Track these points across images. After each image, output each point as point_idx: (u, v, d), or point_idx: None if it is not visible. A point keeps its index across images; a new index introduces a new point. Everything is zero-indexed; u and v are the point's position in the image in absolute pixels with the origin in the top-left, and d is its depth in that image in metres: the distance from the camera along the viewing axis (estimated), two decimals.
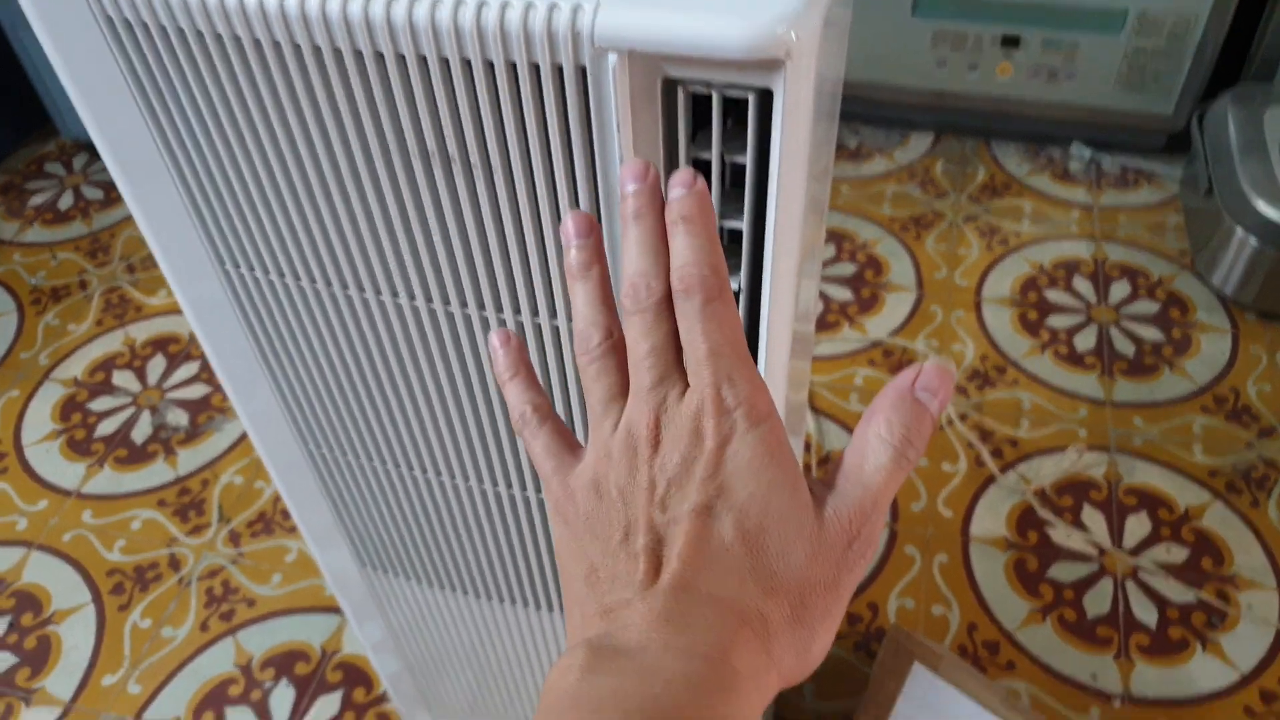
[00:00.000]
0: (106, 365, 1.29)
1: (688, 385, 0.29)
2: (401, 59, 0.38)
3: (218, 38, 0.39)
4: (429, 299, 0.47)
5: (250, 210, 0.47)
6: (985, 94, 1.47)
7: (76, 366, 1.29)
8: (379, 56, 0.38)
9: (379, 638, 0.78)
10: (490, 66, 0.37)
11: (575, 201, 0.42)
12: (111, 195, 1.54)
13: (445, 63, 0.38)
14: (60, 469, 1.18)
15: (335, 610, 1.03)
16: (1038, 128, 1.53)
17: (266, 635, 1.02)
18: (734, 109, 0.38)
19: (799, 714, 0.95)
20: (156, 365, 1.28)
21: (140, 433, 1.21)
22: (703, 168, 0.41)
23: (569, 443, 0.33)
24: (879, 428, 0.29)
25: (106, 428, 1.22)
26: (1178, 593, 1.02)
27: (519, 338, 0.34)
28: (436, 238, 0.44)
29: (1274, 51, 1.36)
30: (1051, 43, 1.39)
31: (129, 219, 1.50)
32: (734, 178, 0.42)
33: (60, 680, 1.00)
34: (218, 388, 1.25)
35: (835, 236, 1.41)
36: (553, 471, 0.32)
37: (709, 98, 0.37)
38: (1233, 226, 1.23)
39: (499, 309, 0.47)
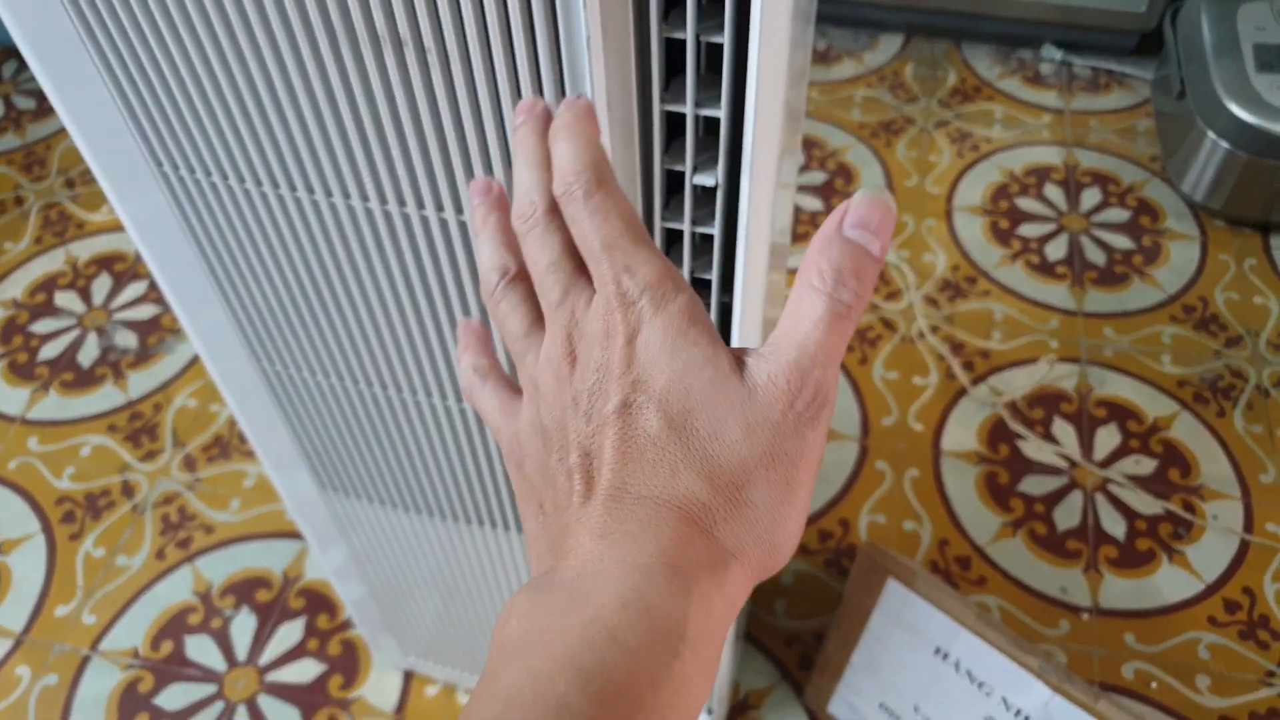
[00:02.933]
0: (48, 285, 1.23)
1: (595, 291, 0.28)
2: None
3: None
4: (383, 200, 0.44)
5: (187, 105, 0.42)
6: None
7: (15, 287, 1.23)
8: None
9: (341, 563, 0.75)
10: None
11: (539, 92, 0.38)
12: (45, 105, 1.46)
13: None
14: (3, 394, 1.13)
15: (296, 536, 1.01)
16: (1009, 29, 1.49)
17: (226, 562, 1.00)
18: None
19: (770, 632, 0.95)
20: (102, 285, 1.23)
21: (87, 355, 1.16)
22: (677, 48, 0.37)
23: (513, 391, 0.31)
24: (810, 277, 0.26)
25: (50, 351, 1.17)
26: (1146, 505, 1.02)
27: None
28: (389, 133, 0.40)
29: None
30: None
31: (65, 130, 1.42)
32: (710, 61, 0.38)
33: (11, 611, 0.97)
34: (168, 307, 1.20)
35: (805, 143, 1.37)
36: (500, 425, 0.31)
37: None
38: (1204, 130, 1.21)
39: (459, 210, 0.43)
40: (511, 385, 0.32)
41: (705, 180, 0.40)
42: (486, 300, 0.31)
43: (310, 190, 0.44)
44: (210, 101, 0.42)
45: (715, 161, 0.40)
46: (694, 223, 0.43)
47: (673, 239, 0.45)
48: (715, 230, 0.43)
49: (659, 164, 0.40)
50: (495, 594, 0.73)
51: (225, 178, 0.45)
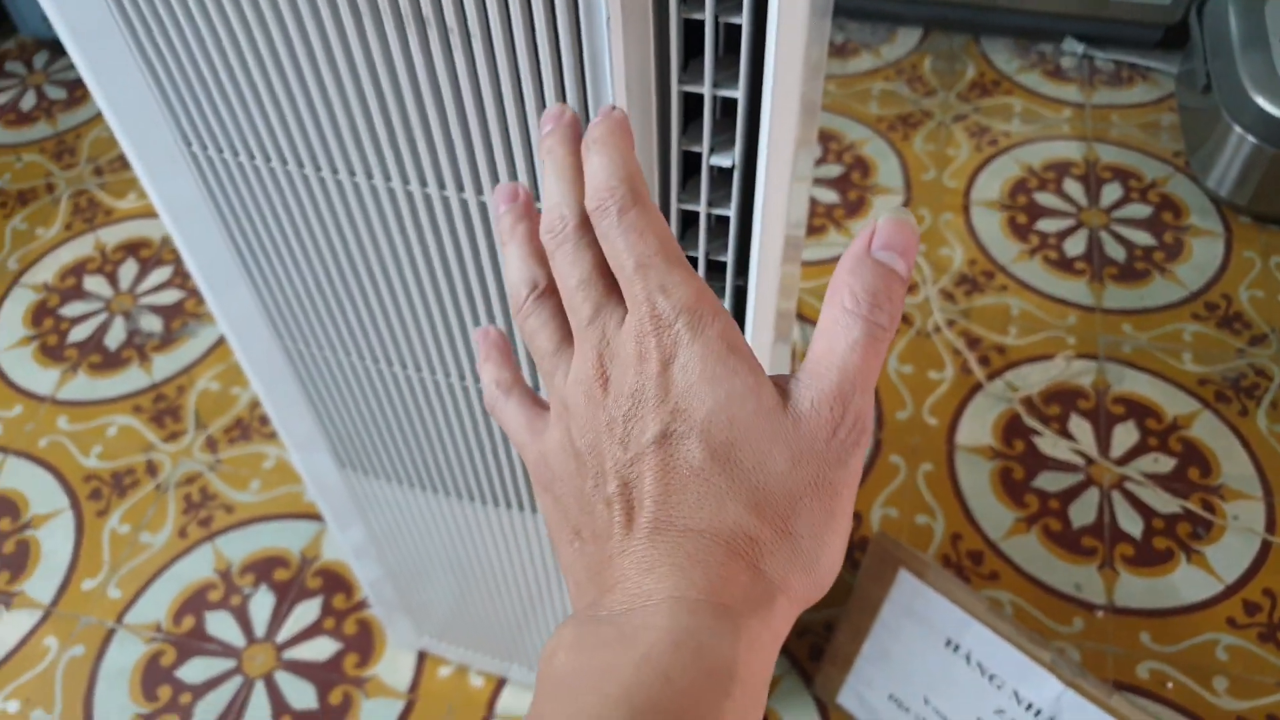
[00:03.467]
0: (77, 270, 1.25)
1: (628, 311, 0.27)
2: None
3: None
4: (405, 180, 0.45)
5: (216, 85, 0.43)
6: None
7: (46, 271, 1.25)
8: None
9: (359, 542, 0.77)
10: None
11: (560, 74, 0.39)
12: (76, 94, 1.48)
13: None
14: (34, 375, 1.15)
15: (314, 517, 1.02)
16: (1029, 22, 1.48)
17: (245, 541, 1.01)
18: None
19: None
20: (129, 270, 1.25)
21: (114, 338, 1.18)
22: (695, 29, 0.38)
23: (539, 407, 0.30)
24: (843, 300, 0.26)
25: (79, 333, 1.19)
26: (1164, 503, 1.02)
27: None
28: (412, 113, 0.41)
29: None
30: None
31: (95, 119, 1.44)
32: (729, 42, 0.39)
33: (40, 584, 0.99)
34: (192, 292, 1.22)
35: (822, 136, 1.37)
36: (526, 442, 0.30)
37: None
38: (1230, 124, 1.20)
39: (479, 191, 0.44)
40: (536, 401, 0.31)
41: (722, 161, 0.41)
42: (515, 314, 0.30)
43: (334, 170, 0.45)
44: (238, 81, 0.43)
45: (732, 143, 0.41)
46: (710, 204, 0.43)
47: (688, 221, 0.45)
48: (731, 212, 0.43)
49: (676, 145, 0.41)
50: (509, 575, 0.74)
51: (252, 157, 0.46)
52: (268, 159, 0.46)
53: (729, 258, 0.45)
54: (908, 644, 0.79)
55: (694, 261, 0.46)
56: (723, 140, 0.41)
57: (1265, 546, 0.99)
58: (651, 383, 0.26)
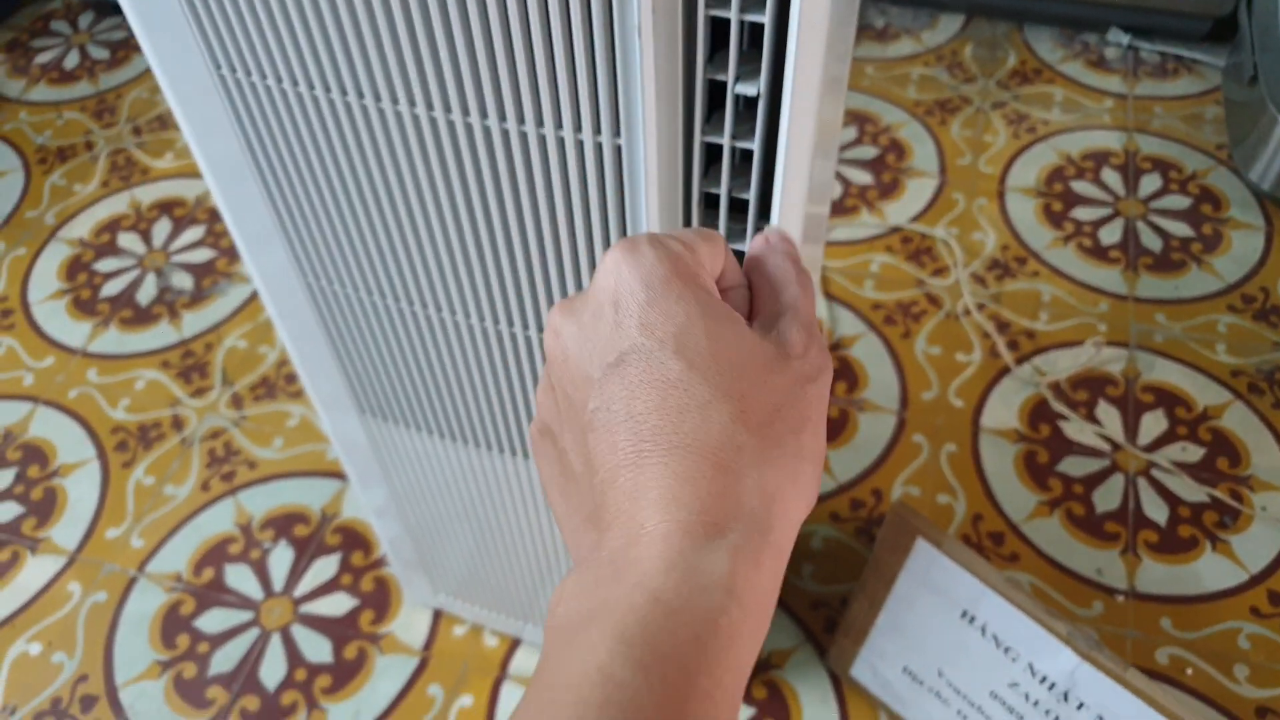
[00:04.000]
0: (112, 227, 1.27)
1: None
2: None
3: None
4: (430, 106, 0.45)
5: (247, 6, 0.44)
6: None
7: (83, 227, 1.27)
8: None
9: (380, 494, 0.77)
10: None
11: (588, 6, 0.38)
12: (118, 55, 1.50)
13: None
14: (66, 327, 1.17)
15: (336, 475, 1.03)
16: (1073, 11, 1.46)
17: (267, 497, 1.02)
18: None
19: (797, 595, 0.95)
20: (162, 228, 1.26)
21: (145, 294, 1.20)
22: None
23: None
24: (784, 262, 0.31)
25: (112, 288, 1.20)
26: (1190, 491, 1.00)
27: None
28: (439, 37, 0.41)
29: None
30: None
31: (136, 80, 1.46)
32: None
33: (65, 531, 1.00)
34: (223, 252, 1.23)
35: (858, 118, 1.36)
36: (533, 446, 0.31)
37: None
38: (1276, 117, 1.18)
39: (502, 118, 0.44)
40: None
41: (748, 90, 0.41)
42: None
43: (361, 95, 0.45)
44: (268, 2, 0.43)
45: (758, 74, 0.41)
46: (734, 137, 0.43)
47: (713, 156, 0.45)
48: (755, 145, 0.43)
49: (701, 73, 0.41)
50: (527, 531, 0.74)
51: (280, 81, 0.47)
52: (295, 84, 0.46)
53: (751, 193, 0.45)
54: (922, 616, 0.78)
55: (715, 199, 0.46)
56: (748, 70, 0.41)
57: None
58: (616, 304, 0.27)
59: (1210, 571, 0.95)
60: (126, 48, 1.52)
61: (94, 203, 1.30)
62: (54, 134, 1.39)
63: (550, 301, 0.53)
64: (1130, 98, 1.40)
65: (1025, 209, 1.26)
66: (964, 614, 0.76)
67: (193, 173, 1.33)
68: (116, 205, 1.29)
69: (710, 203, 0.47)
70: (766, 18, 0.38)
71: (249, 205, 0.55)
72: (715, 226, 0.48)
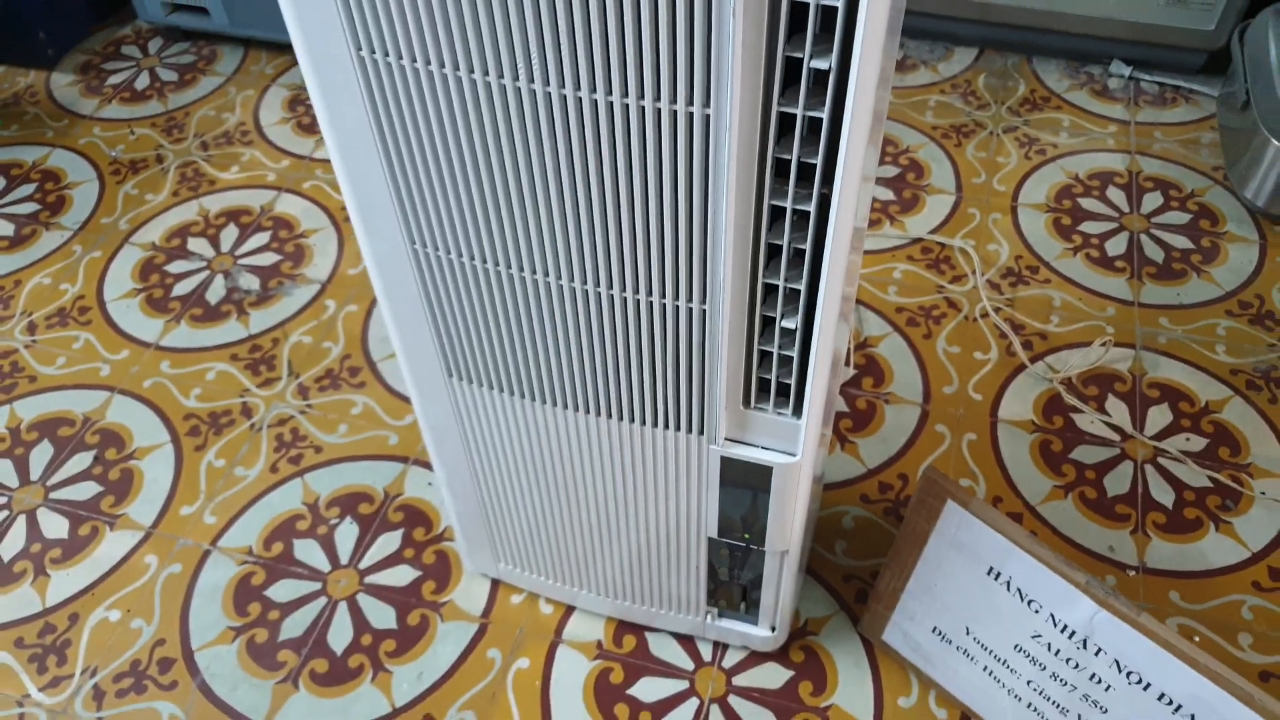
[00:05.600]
0: (182, 232, 1.36)
1: None
2: None
3: None
4: (546, 82, 0.53)
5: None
6: (1028, 9, 1.50)
7: (154, 233, 1.36)
8: None
9: (454, 462, 0.84)
10: None
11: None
12: (185, 78, 1.60)
13: None
14: (140, 323, 1.25)
15: (398, 459, 1.10)
16: (1079, 45, 1.56)
17: (332, 478, 1.09)
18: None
19: (830, 568, 1.02)
20: (229, 234, 1.35)
21: (214, 294, 1.28)
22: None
23: None
24: None
25: (183, 288, 1.29)
26: (1195, 477, 1.07)
27: None
28: (560, 15, 0.49)
29: None
30: None
31: (202, 100, 1.56)
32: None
33: (142, 508, 1.07)
34: (287, 255, 1.32)
35: (882, 141, 1.45)
36: None
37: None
38: (1268, 139, 1.27)
39: (609, 91, 0.52)
40: None
41: (820, 64, 0.49)
42: None
43: (485, 72, 0.54)
44: None
45: (829, 52, 0.49)
46: (807, 106, 0.51)
47: (785, 127, 0.53)
48: (824, 114, 0.51)
49: (782, 50, 0.49)
50: (589, 494, 0.81)
51: (413, 60, 0.55)
52: (428, 62, 0.54)
53: (819, 160, 0.53)
54: (950, 576, 0.85)
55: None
56: (821, 49, 0.49)
57: None
58: None
59: (1214, 549, 1.02)
60: (193, 70, 1.62)
61: (165, 210, 1.38)
62: (126, 148, 1.48)
63: (636, 263, 0.61)
64: (1132, 124, 1.49)
65: (1036, 223, 1.34)
66: (990, 570, 0.82)
67: (258, 184, 1.42)
68: (186, 213, 1.38)
69: (781, 170, 0.56)
70: (840, 1, 0.47)
71: (368, 176, 0.63)
72: (784, 191, 0.56)
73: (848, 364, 1.19)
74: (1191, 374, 1.17)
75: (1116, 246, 1.31)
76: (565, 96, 0.53)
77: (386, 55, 0.55)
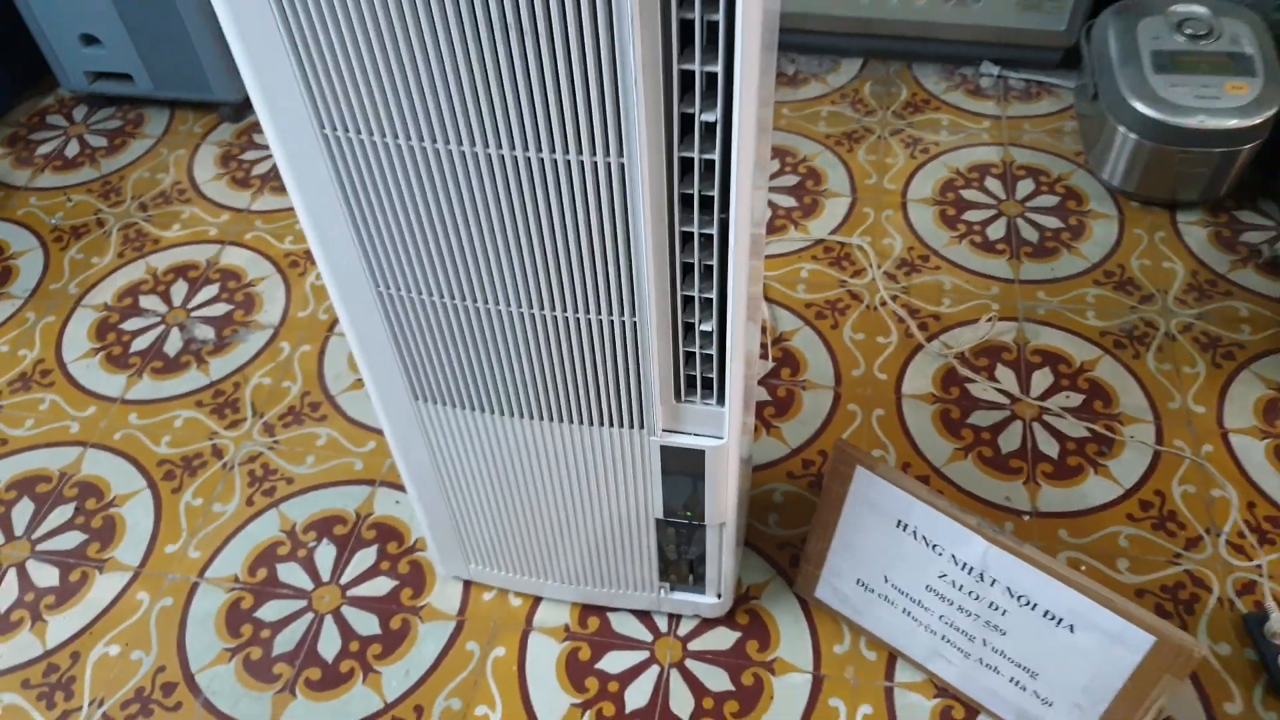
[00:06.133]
0: (133, 291, 1.43)
1: None
2: None
3: None
4: (485, 144, 0.64)
5: (359, 68, 0.62)
6: (905, 20, 1.65)
7: (105, 293, 1.42)
8: None
9: (423, 475, 0.94)
10: None
11: (595, 48, 0.58)
12: (115, 142, 1.66)
13: None
14: (102, 380, 1.32)
15: (366, 482, 1.19)
16: (952, 50, 1.72)
17: (306, 505, 1.18)
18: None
19: (765, 539, 1.14)
20: (179, 289, 1.42)
21: (172, 346, 1.35)
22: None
23: None
24: None
25: (140, 343, 1.36)
26: (1075, 429, 1.22)
27: None
28: (494, 90, 0.61)
29: None
30: None
31: (135, 162, 1.62)
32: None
33: (128, 550, 1.15)
34: (238, 304, 1.40)
35: (779, 152, 1.59)
36: None
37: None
38: (1115, 126, 1.44)
39: (539, 148, 0.63)
40: None
41: (708, 116, 0.61)
42: None
43: (433, 139, 0.64)
44: (369, 64, 0.62)
45: (714, 106, 0.61)
46: (701, 151, 0.63)
47: (685, 168, 0.65)
48: (715, 156, 0.63)
49: (677, 108, 0.61)
50: (548, 491, 0.92)
51: (371, 134, 0.65)
52: (382, 135, 0.65)
53: (715, 192, 0.65)
54: (866, 532, 0.98)
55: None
56: (708, 104, 0.61)
57: (1155, 457, 1.19)
58: None
59: (1094, 490, 1.17)
60: (122, 134, 1.68)
61: (112, 272, 1.45)
62: (65, 214, 1.54)
63: (574, 288, 0.72)
64: (1004, 118, 1.65)
65: (925, 216, 1.49)
66: (898, 523, 0.95)
67: (201, 239, 1.49)
68: (134, 273, 1.45)
69: (685, 202, 0.67)
70: (719, 68, 0.58)
71: (334, 230, 0.73)
72: (690, 221, 0.68)
73: (765, 357, 1.32)
74: (1068, 339, 1.32)
75: (996, 231, 1.47)
76: (503, 155, 0.64)
77: (346, 131, 0.66)
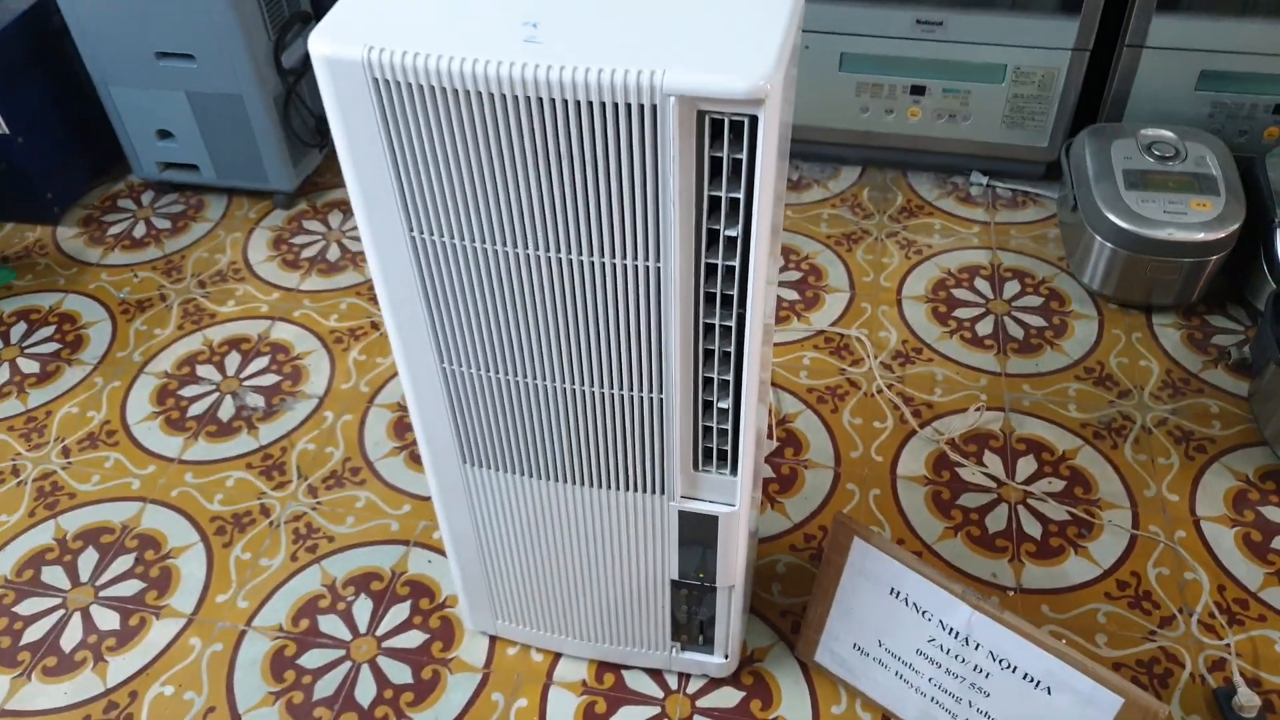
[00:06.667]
0: (190, 361, 1.55)
1: None
2: (556, 103, 0.68)
3: (459, 96, 0.69)
4: (547, 249, 0.76)
5: (451, 183, 0.75)
6: (900, 133, 1.82)
7: (165, 362, 1.55)
8: (540, 101, 0.68)
9: (463, 532, 1.05)
10: (601, 106, 0.67)
11: (644, 182, 0.71)
12: (178, 225, 1.81)
13: (582, 105, 0.67)
14: (162, 442, 1.43)
15: (401, 542, 1.30)
16: (944, 160, 1.88)
17: (346, 562, 1.28)
18: (734, 136, 0.68)
19: (769, 606, 1.24)
20: (233, 360, 1.55)
21: (225, 413, 1.47)
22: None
23: None
24: None
25: (196, 409, 1.48)
26: (1057, 512, 1.33)
27: None
28: (558, 206, 0.73)
29: (1120, 97, 1.72)
30: (949, 90, 1.74)
31: (195, 243, 1.77)
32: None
33: (182, 598, 1.25)
34: (286, 375, 1.52)
35: (785, 250, 1.73)
36: None
37: (721, 121, 0.68)
38: (1093, 235, 1.57)
39: (591, 253, 0.76)
40: None
41: (731, 232, 0.74)
42: None
43: (504, 243, 0.77)
44: (464, 183, 0.75)
45: (736, 224, 0.74)
46: (725, 259, 0.76)
47: (710, 272, 0.78)
48: (736, 263, 0.76)
49: (705, 225, 0.74)
50: (577, 551, 1.02)
51: (452, 237, 0.78)
52: (462, 239, 0.78)
53: (735, 290, 0.78)
54: (862, 599, 1.08)
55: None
56: (730, 221, 0.74)
57: (1132, 540, 1.29)
58: None
59: (1075, 569, 1.27)
60: (184, 218, 1.83)
61: (173, 343, 1.58)
62: (132, 290, 1.68)
63: (611, 367, 0.84)
64: (992, 224, 1.79)
65: (918, 312, 1.62)
66: (892, 590, 1.05)
67: (253, 315, 1.63)
68: (192, 344, 1.58)
69: (709, 298, 0.80)
70: (741, 192, 0.71)
71: (408, 314, 0.85)
72: (713, 313, 0.80)
73: (771, 437, 1.43)
74: (1050, 429, 1.44)
75: (985, 328, 1.59)
76: (560, 258, 0.77)
77: (430, 234, 0.79)
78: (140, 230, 1.80)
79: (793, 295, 1.65)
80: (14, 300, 1.67)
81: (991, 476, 1.37)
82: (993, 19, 1.66)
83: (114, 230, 1.80)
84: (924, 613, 1.04)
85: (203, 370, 1.54)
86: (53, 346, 1.59)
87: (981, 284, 1.67)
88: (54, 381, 1.53)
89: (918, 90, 1.76)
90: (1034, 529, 1.31)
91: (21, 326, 1.62)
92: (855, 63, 1.75)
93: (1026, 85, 1.72)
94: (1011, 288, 1.66)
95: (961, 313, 1.62)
